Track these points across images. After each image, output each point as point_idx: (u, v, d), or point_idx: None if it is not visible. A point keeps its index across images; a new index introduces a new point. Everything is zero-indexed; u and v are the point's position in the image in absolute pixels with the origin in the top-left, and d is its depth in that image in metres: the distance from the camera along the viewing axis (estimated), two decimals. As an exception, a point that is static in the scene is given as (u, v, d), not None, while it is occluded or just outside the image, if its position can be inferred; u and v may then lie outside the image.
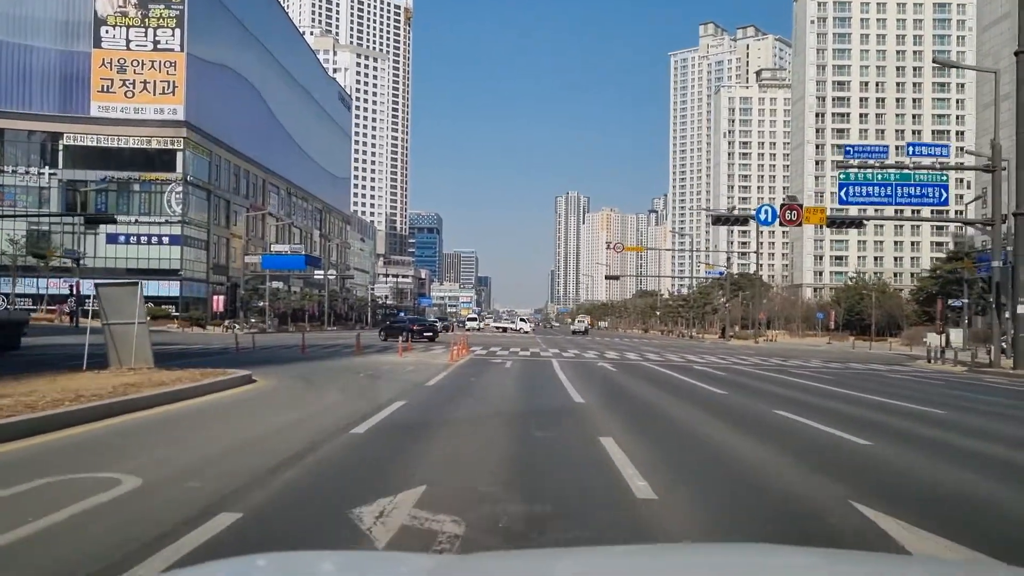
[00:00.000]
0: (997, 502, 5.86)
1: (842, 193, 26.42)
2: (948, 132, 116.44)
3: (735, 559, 2.11)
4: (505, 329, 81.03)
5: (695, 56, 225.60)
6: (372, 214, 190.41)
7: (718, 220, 39.16)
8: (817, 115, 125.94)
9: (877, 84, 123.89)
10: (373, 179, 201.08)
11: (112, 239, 64.57)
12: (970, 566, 2.85)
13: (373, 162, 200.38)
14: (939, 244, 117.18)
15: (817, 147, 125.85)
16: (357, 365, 20.05)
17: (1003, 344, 27.86)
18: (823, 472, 6.71)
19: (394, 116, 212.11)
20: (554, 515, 4.90)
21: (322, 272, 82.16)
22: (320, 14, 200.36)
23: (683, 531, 4.68)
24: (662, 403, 12.91)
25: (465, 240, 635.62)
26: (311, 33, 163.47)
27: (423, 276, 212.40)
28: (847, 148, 29.50)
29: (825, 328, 73.40)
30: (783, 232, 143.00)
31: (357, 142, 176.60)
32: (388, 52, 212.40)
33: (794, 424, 10.17)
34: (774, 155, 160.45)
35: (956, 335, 46.92)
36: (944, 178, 26.54)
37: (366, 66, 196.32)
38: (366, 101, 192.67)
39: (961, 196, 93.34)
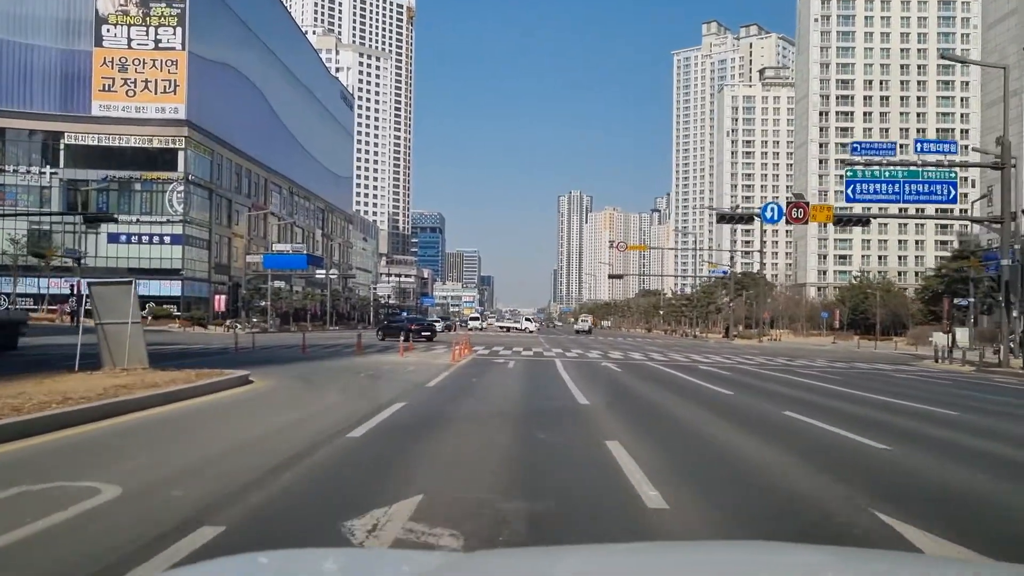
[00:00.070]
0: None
1: (849, 191, 26.07)
2: (952, 130, 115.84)
3: (741, 557, 2.06)
4: (510, 329, 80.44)
5: (698, 55, 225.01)
6: (375, 213, 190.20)
7: (723, 218, 38.70)
8: (821, 114, 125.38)
9: (881, 82, 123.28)
10: (376, 178, 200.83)
11: (113, 239, 64.40)
12: (980, 566, 2.72)
13: (376, 161, 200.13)
14: (944, 243, 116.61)
15: (821, 146, 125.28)
16: (358, 365, 19.76)
17: (1011, 343, 27.51)
18: (841, 479, 6.39)
19: (396, 115, 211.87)
20: (559, 527, 4.59)
21: (324, 272, 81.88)
22: (322, 13, 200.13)
23: (698, 545, 4.37)
24: (668, 404, 12.60)
25: (468, 239, 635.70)
26: (313, 32, 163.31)
27: (426, 276, 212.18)
28: (854, 145, 29.16)
29: (829, 327, 73.01)
30: (786, 231, 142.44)
31: (360, 141, 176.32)
32: (390, 51, 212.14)
33: (805, 426, 9.84)
34: (777, 154, 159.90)
35: (962, 334, 46.51)
36: (953, 175, 26.18)
37: (368, 65, 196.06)
38: (368, 100, 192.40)
39: (965, 195, 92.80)
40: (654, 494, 5.41)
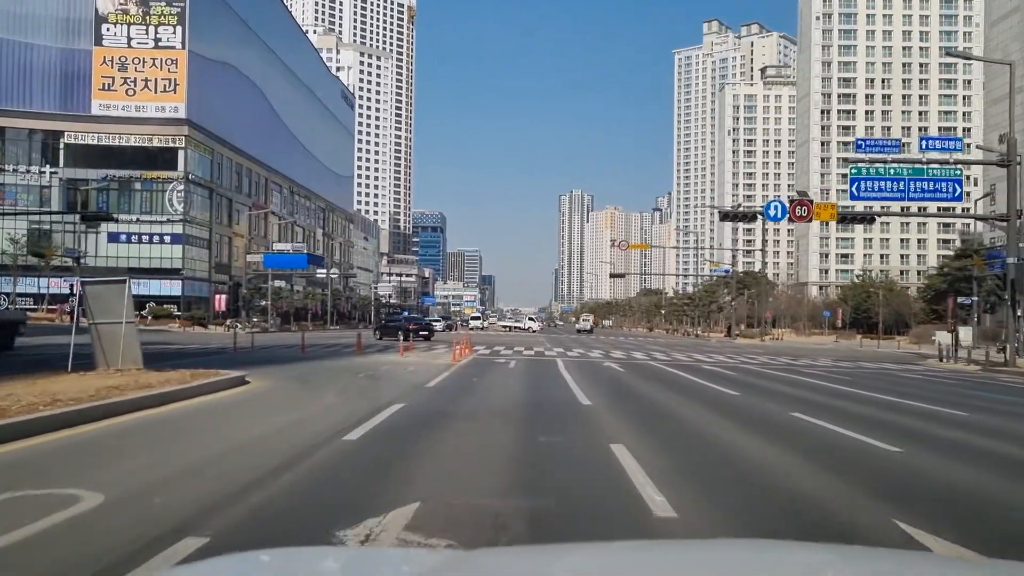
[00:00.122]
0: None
1: (853, 188, 25.80)
2: (954, 129, 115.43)
3: (742, 555, 2.04)
4: (513, 328, 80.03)
5: (699, 54, 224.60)
6: (376, 213, 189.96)
7: (726, 216, 38.46)
8: (822, 112, 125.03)
9: (883, 81, 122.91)
10: (377, 178, 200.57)
11: (113, 238, 64.24)
12: (983, 565, 2.64)
13: (377, 161, 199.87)
14: (946, 242, 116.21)
15: (822, 144, 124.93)
16: (357, 365, 19.53)
17: (1016, 342, 27.23)
18: (857, 485, 6.16)
19: (397, 115, 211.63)
20: (563, 538, 4.36)
21: (325, 271, 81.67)
22: (323, 12, 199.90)
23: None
24: (673, 405, 12.36)
25: (469, 239, 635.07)
26: (314, 32, 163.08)
27: (427, 275, 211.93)
28: (858, 142, 28.89)
29: (832, 326, 72.71)
30: (788, 230, 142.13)
31: (360, 141, 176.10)
32: (391, 51, 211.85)
33: (814, 428, 9.61)
34: (779, 152, 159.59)
35: (965, 333, 46.21)
36: (958, 172, 25.91)
37: (369, 65, 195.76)
38: (369, 100, 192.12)
39: (968, 193, 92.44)
40: (660, 500, 5.19)
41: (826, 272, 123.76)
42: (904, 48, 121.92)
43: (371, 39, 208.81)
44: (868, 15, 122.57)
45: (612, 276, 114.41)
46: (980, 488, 6.34)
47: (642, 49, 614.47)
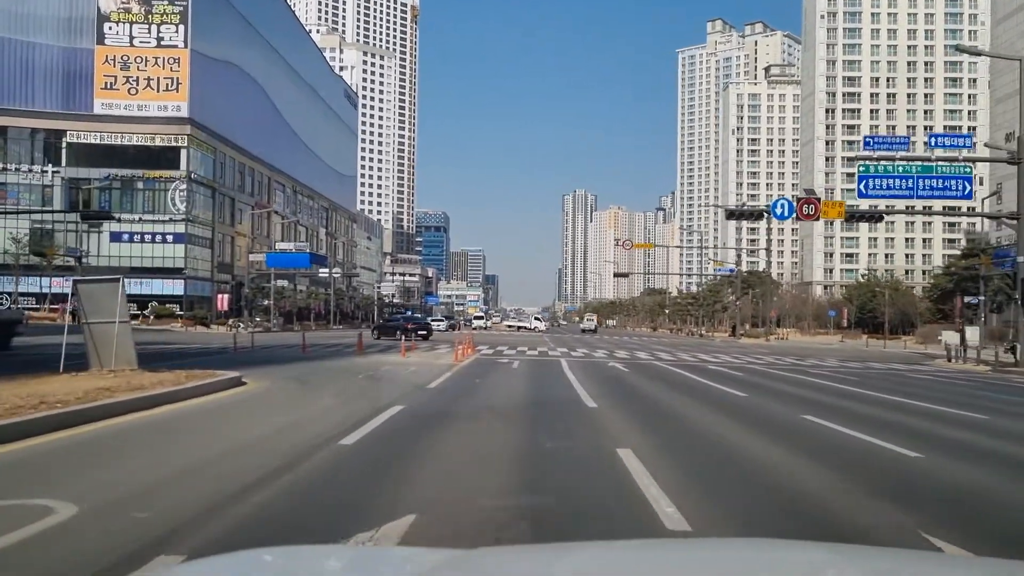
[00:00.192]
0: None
1: (861, 186, 25.41)
2: (960, 127, 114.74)
3: (743, 554, 2.03)
4: (519, 328, 79.22)
5: (703, 53, 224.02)
6: (379, 212, 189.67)
7: (732, 215, 38.17)
8: (827, 111, 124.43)
9: (888, 79, 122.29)
10: (380, 177, 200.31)
11: (116, 237, 64.07)
12: (984, 563, 2.59)
13: (380, 160, 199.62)
14: (951, 241, 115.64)
15: (827, 143, 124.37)
16: (357, 366, 19.23)
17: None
18: (878, 493, 5.83)
19: (400, 114, 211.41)
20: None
21: (328, 270, 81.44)
22: (326, 12, 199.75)
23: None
24: (680, 408, 12.02)
25: (472, 239, 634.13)
26: (317, 31, 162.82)
27: (430, 275, 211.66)
28: (866, 139, 28.49)
29: (837, 326, 72.26)
30: (792, 229, 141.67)
31: (364, 140, 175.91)
32: (394, 50, 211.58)
33: (828, 432, 9.26)
34: (783, 152, 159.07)
35: (972, 333, 45.80)
36: (968, 170, 25.51)
37: (372, 64, 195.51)
38: (372, 99, 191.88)
39: (974, 192, 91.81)
40: (672, 511, 4.88)
41: (830, 272, 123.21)
42: (909, 47, 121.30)
43: (374, 38, 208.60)
44: (873, 14, 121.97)
45: (616, 275, 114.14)
46: (1013, 498, 6.01)
47: (645, 48, 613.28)
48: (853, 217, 27.55)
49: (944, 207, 64.72)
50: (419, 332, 38.26)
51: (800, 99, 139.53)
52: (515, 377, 17.17)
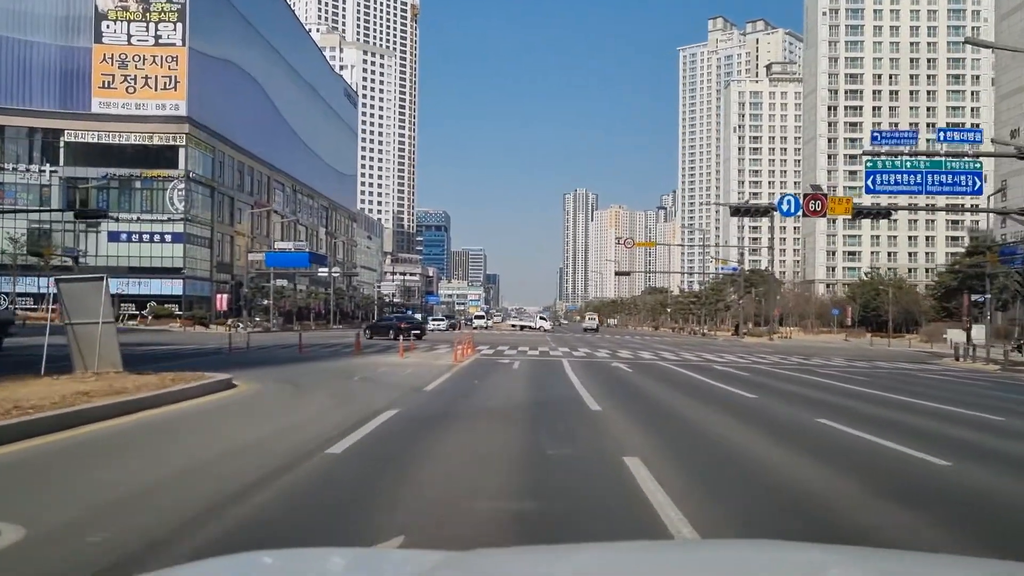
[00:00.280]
0: None
1: (868, 181, 24.89)
2: (963, 124, 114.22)
3: (744, 555, 2.02)
4: (523, 327, 77.92)
5: (704, 51, 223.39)
6: (379, 212, 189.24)
7: (737, 211, 37.63)
8: (829, 108, 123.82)
9: (890, 76, 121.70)
10: (380, 176, 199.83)
11: (114, 237, 63.64)
12: (989, 565, 2.41)
13: (380, 159, 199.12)
14: (954, 239, 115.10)
15: (830, 141, 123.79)
16: (354, 367, 18.76)
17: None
18: (906, 506, 5.35)
19: (401, 113, 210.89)
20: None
21: (327, 270, 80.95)
22: (326, 11, 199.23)
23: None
24: (687, 410, 11.53)
25: (473, 238, 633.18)
26: (317, 30, 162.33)
27: (431, 274, 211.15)
28: (874, 134, 27.96)
29: (840, 324, 71.77)
30: (794, 227, 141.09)
31: (364, 139, 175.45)
32: (395, 49, 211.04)
33: (846, 437, 8.77)
34: (785, 149, 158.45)
35: (978, 331, 45.38)
36: (978, 165, 24.99)
37: (373, 63, 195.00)
38: (373, 98, 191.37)
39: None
40: (688, 530, 4.42)
41: (833, 270, 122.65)
42: (911, 44, 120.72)
43: (374, 37, 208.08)
44: (875, 10, 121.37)
45: (618, 274, 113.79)
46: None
47: (646, 47, 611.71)
48: (860, 214, 27.03)
49: (946, 204, 64.42)
50: (413, 332, 37.93)
51: (802, 97, 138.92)
52: (516, 378, 16.69)
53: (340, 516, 4.74)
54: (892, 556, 2.45)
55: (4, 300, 57.34)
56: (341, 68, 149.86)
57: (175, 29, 63.88)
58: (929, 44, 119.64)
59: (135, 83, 63.57)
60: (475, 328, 72.05)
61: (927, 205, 69.87)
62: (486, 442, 7.80)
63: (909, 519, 5.03)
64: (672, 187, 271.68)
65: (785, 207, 25.61)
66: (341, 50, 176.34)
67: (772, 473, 6.62)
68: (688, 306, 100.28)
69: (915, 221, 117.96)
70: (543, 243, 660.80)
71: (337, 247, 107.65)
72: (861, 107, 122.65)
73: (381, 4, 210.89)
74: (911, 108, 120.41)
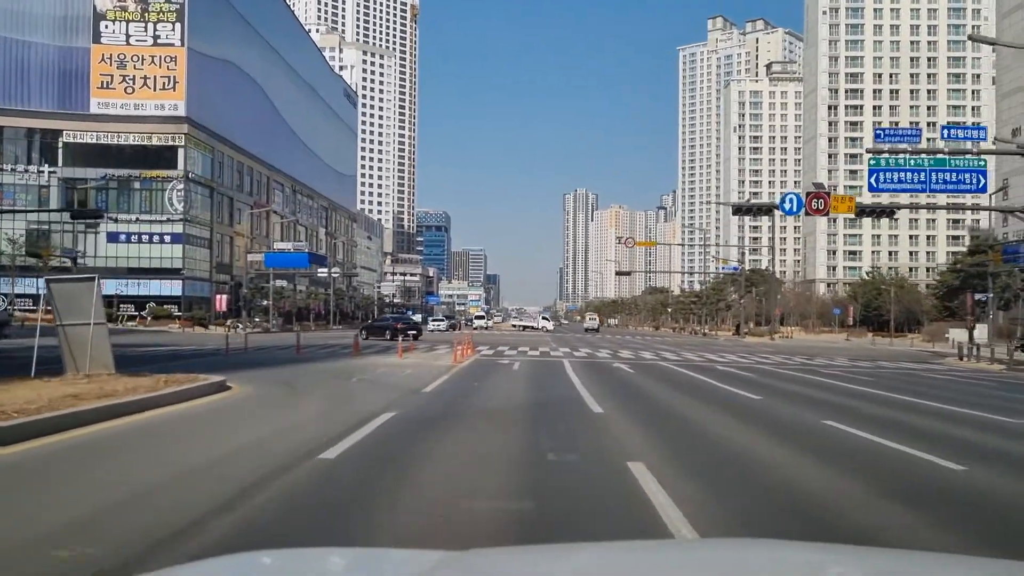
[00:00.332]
0: None
1: (872, 179, 24.64)
2: (964, 123, 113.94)
3: (743, 554, 2.03)
4: (525, 327, 77.29)
5: (704, 50, 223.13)
6: (379, 212, 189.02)
7: (739, 210, 37.36)
8: (830, 108, 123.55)
9: (891, 76, 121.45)
10: (380, 177, 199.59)
11: (113, 238, 63.42)
12: (989, 564, 2.36)
13: (380, 160, 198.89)
14: (955, 238, 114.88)
15: (830, 140, 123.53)
16: (352, 368, 18.51)
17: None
18: (922, 514, 5.10)
19: (401, 113, 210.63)
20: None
21: (327, 270, 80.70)
22: (326, 11, 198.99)
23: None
24: (692, 413, 11.27)
25: (473, 238, 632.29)
26: (317, 30, 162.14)
27: (431, 274, 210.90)
28: (877, 131, 27.72)
29: (841, 324, 71.52)
30: (795, 227, 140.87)
31: (364, 140, 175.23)
32: (394, 49, 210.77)
33: (854, 440, 8.52)
34: (785, 149, 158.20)
35: (980, 330, 45.16)
36: (983, 163, 24.74)
37: (372, 63, 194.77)
38: (372, 99, 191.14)
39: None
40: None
41: (834, 269, 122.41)
42: (912, 42, 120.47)
43: (374, 38, 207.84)
44: (876, 9, 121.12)
45: (618, 274, 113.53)
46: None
47: (646, 47, 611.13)
48: (863, 212, 26.78)
49: (947, 203, 64.13)
50: (408, 332, 37.68)
51: (802, 96, 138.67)
52: (516, 379, 16.45)
53: (332, 525, 4.49)
54: (892, 555, 2.45)
55: (3, 301, 57.17)
56: (341, 68, 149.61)
57: (174, 29, 63.65)
58: (929, 43, 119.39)
59: (134, 83, 63.35)
60: (475, 328, 71.77)
61: (928, 204, 69.74)
62: (486, 446, 7.55)
63: (924, 527, 4.79)
64: (672, 187, 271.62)
65: (788, 206, 25.36)
66: (341, 50, 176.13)
67: (782, 477, 6.37)
68: (689, 306, 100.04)
69: (916, 220, 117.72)
70: (543, 243, 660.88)
71: (337, 247, 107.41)
72: (861, 106, 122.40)
73: (381, 4, 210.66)
74: (911, 107, 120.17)
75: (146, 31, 63.80)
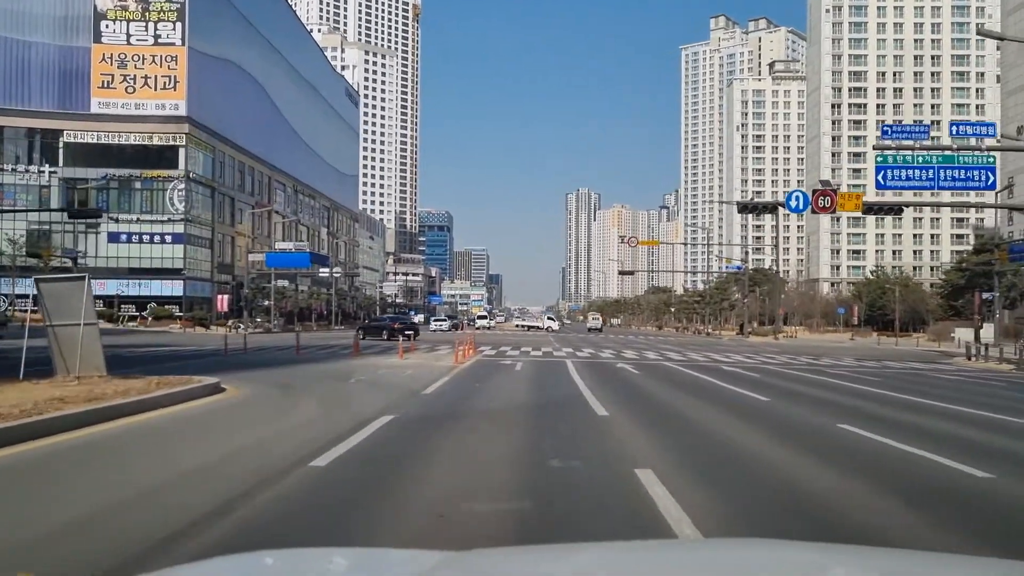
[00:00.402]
0: None
1: (879, 177, 24.26)
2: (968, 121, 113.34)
3: (744, 554, 2.03)
4: (529, 328, 76.71)
5: (706, 49, 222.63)
6: (381, 212, 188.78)
7: (744, 209, 36.97)
8: (833, 106, 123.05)
9: (895, 74, 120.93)
10: (383, 176, 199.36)
11: (114, 238, 63.19)
12: (990, 564, 2.32)
13: (382, 159, 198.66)
14: (959, 237, 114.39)
15: (833, 139, 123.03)
16: (352, 369, 18.20)
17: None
18: (957, 529, 4.77)
19: (403, 113, 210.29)
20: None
21: (329, 270, 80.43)
22: (328, 11, 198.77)
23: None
24: (700, 416, 10.92)
25: (476, 238, 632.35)
26: (319, 30, 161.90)
27: (433, 274, 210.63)
28: (884, 128, 27.33)
29: (846, 324, 71.12)
30: (798, 226, 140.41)
31: (366, 140, 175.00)
32: (396, 49, 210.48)
33: (876, 446, 8.16)
34: (788, 148, 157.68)
35: (986, 330, 44.76)
36: (991, 160, 24.35)
37: (375, 63, 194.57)
38: (375, 98, 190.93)
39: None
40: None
41: (837, 269, 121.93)
42: (916, 40, 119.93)
43: (376, 38, 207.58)
44: (879, 7, 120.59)
45: (621, 273, 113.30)
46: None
47: (648, 46, 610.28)
48: (871, 210, 26.40)
49: (951, 200, 63.70)
50: (406, 332, 37.34)
51: (805, 95, 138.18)
52: (518, 381, 16.11)
53: (318, 541, 4.16)
54: (893, 555, 2.43)
55: (3, 302, 56.97)
56: (343, 68, 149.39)
57: (174, 29, 63.41)
58: (933, 41, 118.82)
59: (134, 83, 63.11)
60: (477, 328, 71.46)
61: (936, 202, 69.39)
62: (487, 451, 7.22)
63: (959, 541, 4.46)
64: (675, 186, 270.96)
65: (794, 203, 24.99)
66: (343, 50, 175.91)
67: (813, 495, 6.01)
68: (692, 306, 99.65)
69: (920, 220, 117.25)
70: (545, 243, 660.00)
71: (339, 247, 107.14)
72: (865, 105, 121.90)
73: (383, 4, 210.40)
74: (915, 106, 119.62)
75: (147, 30, 63.56)
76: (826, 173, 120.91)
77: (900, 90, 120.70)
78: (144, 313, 59.63)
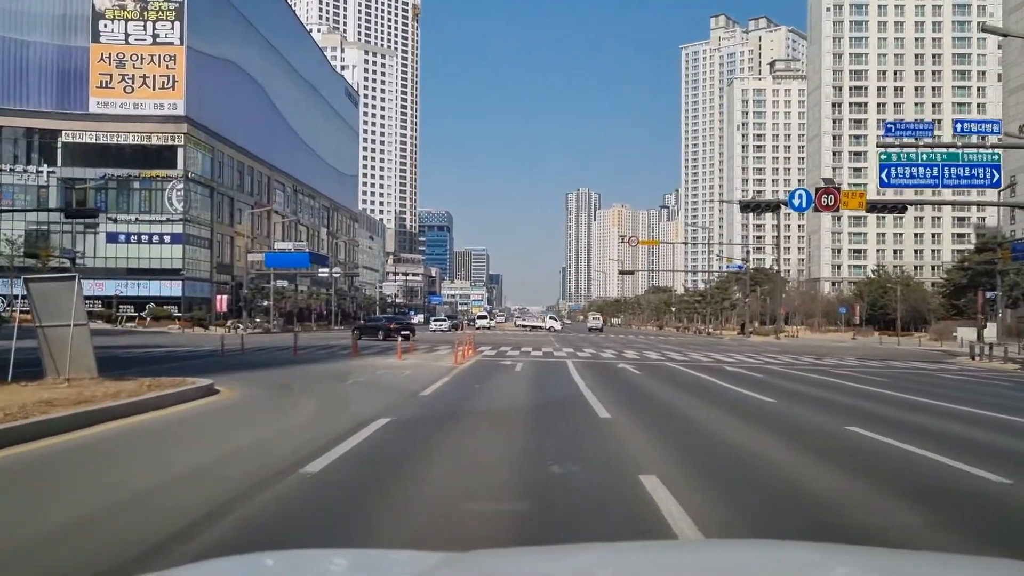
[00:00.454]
0: None
1: (883, 175, 24.03)
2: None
3: (746, 554, 2.02)
4: (531, 328, 76.30)
5: (706, 49, 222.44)
6: (381, 212, 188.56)
7: (746, 207, 36.70)
8: (834, 105, 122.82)
9: (895, 73, 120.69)
10: (382, 176, 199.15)
11: (112, 238, 62.95)
12: (990, 564, 2.29)
13: (382, 159, 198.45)
14: (960, 236, 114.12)
15: (834, 138, 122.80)
16: (349, 369, 17.96)
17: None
18: (985, 543, 4.54)
19: (403, 113, 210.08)
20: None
21: (328, 270, 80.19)
22: (327, 11, 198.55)
23: None
24: (703, 417, 10.68)
25: (476, 238, 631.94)
26: (318, 30, 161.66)
27: (433, 274, 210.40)
28: (887, 125, 27.11)
29: (847, 323, 70.86)
30: (799, 226, 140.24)
31: (366, 139, 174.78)
32: (396, 49, 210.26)
33: (886, 449, 7.92)
34: (788, 147, 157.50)
35: (989, 329, 44.56)
36: (996, 157, 24.13)
37: (374, 63, 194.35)
38: (374, 98, 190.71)
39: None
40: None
41: (838, 268, 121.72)
42: (916, 39, 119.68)
43: (376, 37, 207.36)
44: (880, 6, 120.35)
45: (622, 272, 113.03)
46: None
47: (648, 45, 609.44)
48: (875, 208, 26.17)
49: (957, 199, 63.44)
50: (402, 332, 37.08)
51: (806, 94, 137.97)
52: (519, 382, 15.87)
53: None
54: (894, 555, 2.42)
55: (2, 302, 56.75)
56: (342, 68, 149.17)
57: (173, 28, 63.17)
58: (934, 40, 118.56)
59: (133, 83, 62.88)
60: (478, 328, 71.19)
61: (938, 200, 69.14)
62: (485, 456, 6.98)
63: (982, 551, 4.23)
64: (675, 186, 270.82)
65: (797, 202, 24.76)
66: (342, 50, 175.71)
67: (828, 504, 5.78)
68: (693, 305, 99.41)
69: (921, 219, 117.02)
70: (545, 243, 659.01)
71: (339, 247, 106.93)
72: (865, 104, 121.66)
73: (382, 4, 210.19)
74: (916, 104, 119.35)
75: (145, 30, 63.33)
76: (827, 172, 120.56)
77: (901, 89, 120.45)
78: (143, 314, 59.40)
